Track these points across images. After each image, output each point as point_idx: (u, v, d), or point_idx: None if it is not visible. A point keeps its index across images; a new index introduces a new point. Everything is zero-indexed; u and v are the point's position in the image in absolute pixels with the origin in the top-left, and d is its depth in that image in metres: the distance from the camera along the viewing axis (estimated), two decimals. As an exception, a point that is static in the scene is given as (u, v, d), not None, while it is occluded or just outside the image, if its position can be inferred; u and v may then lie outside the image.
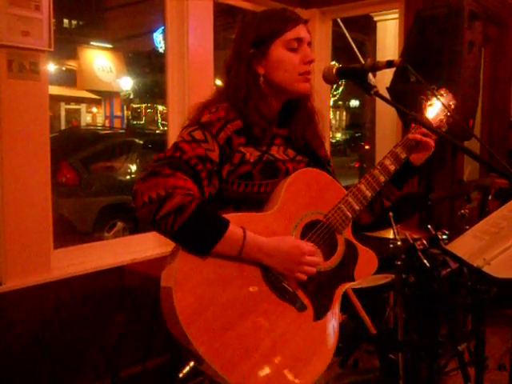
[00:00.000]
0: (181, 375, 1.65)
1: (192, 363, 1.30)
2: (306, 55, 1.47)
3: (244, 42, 1.47)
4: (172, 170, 1.29)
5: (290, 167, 1.46)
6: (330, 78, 1.55)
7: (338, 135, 21.72)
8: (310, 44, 1.50)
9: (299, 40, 1.46)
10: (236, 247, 1.28)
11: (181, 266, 1.26)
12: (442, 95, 1.63)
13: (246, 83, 1.44)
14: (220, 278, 1.28)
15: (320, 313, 1.40)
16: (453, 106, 1.64)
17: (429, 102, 1.63)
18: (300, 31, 1.47)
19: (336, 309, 1.44)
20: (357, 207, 1.48)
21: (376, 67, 1.49)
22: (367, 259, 1.52)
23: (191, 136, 1.36)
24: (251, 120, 1.42)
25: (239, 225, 1.30)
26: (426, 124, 1.57)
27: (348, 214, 1.46)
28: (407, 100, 1.71)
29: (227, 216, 1.31)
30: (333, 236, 1.46)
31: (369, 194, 1.50)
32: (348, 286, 1.47)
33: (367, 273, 1.52)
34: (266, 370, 1.28)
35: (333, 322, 1.42)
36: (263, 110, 1.44)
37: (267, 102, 1.46)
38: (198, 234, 1.26)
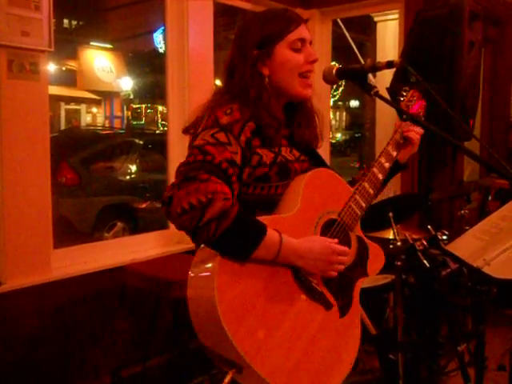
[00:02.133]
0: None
1: (230, 374, 1.27)
2: (310, 55, 1.48)
3: (248, 43, 1.46)
4: (208, 174, 1.25)
5: (297, 167, 1.47)
6: (329, 79, 1.55)
7: (338, 135, 21.72)
8: (311, 43, 1.51)
9: (302, 40, 1.47)
10: (273, 251, 1.28)
11: (221, 273, 1.24)
12: (412, 97, 1.69)
13: (254, 85, 1.44)
14: (256, 283, 1.28)
15: (344, 309, 1.44)
16: (423, 106, 1.69)
17: (405, 103, 1.68)
18: (302, 31, 1.48)
19: (357, 303, 1.48)
20: (363, 204, 1.51)
21: (376, 68, 1.49)
22: (376, 254, 1.56)
23: (215, 139, 1.33)
24: (263, 121, 1.41)
25: (272, 228, 1.29)
26: (426, 124, 1.57)
27: (357, 211, 1.49)
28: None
29: (259, 219, 1.31)
30: (347, 234, 1.49)
31: (372, 191, 1.53)
32: (363, 280, 1.51)
33: (378, 267, 1.56)
34: (307, 370, 1.32)
35: (356, 316, 1.47)
36: (274, 111, 1.44)
37: (275, 103, 1.46)
38: (240, 239, 1.25)
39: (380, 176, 1.56)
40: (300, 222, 1.38)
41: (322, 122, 1.64)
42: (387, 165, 1.58)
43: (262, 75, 1.46)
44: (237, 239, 1.24)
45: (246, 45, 1.47)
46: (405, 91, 1.69)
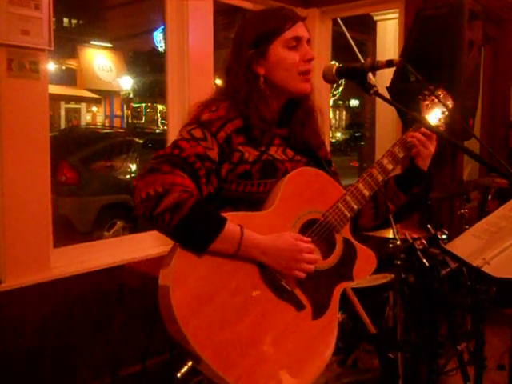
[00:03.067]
0: (179, 375, 1.64)
1: (190, 363, 1.28)
2: (306, 53, 1.46)
3: (243, 42, 1.46)
4: (171, 167, 1.28)
5: (288, 167, 1.46)
6: (329, 78, 1.55)
7: (338, 135, 21.74)
8: (309, 42, 1.49)
9: (298, 38, 1.46)
10: (233, 245, 1.27)
11: (178, 264, 1.25)
12: (439, 95, 1.62)
13: (246, 85, 1.44)
14: (217, 277, 1.27)
15: (319, 312, 1.39)
16: (450, 106, 1.63)
17: (426, 102, 1.64)
18: (298, 29, 1.46)
19: (335, 308, 1.43)
20: (355, 206, 1.47)
21: (376, 67, 1.49)
22: (366, 258, 1.51)
23: (190, 134, 1.36)
24: (251, 122, 1.42)
25: (237, 223, 1.29)
26: (426, 123, 1.57)
27: (346, 213, 1.46)
28: (407, 99, 1.70)
29: (225, 215, 1.30)
30: (331, 235, 1.45)
31: (367, 193, 1.50)
32: (346, 285, 1.47)
33: (366, 272, 1.51)
34: (264, 370, 1.28)
35: (331, 321, 1.41)
36: (263, 112, 1.43)
37: (267, 104, 1.45)
38: (195, 230, 1.25)
39: (379, 177, 1.52)
40: (275, 219, 1.36)
41: (322, 120, 1.63)
42: (390, 166, 1.53)
43: (257, 75, 1.45)
44: (192, 231, 1.25)
45: (241, 45, 1.47)
46: (428, 90, 1.61)
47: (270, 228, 1.35)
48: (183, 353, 1.29)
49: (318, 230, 1.43)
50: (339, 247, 1.46)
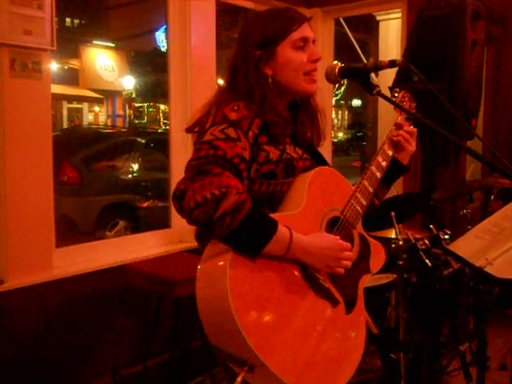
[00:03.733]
0: None
1: (242, 374, 1.24)
2: (313, 53, 1.48)
3: (249, 43, 1.47)
4: (220, 168, 1.25)
5: (301, 165, 1.48)
6: (332, 78, 1.55)
7: (340, 134, 21.73)
8: (314, 42, 1.51)
9: (305, 39, 1.47)
10: (284, 247, 1.28)
11: (233, 269, 1.22)
12: (403, 98, 1.69)
13: (258, 85, 1.44)
14: (268, 281, 1.27)
15: (350, 306, 1.45)
16: (414, 106, 1.70)
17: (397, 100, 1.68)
18: (305, 30, 1.47)
19: (361, 301, 1.49)
20: (364, 202, 1.52)
21: (378, 67, 1.49)
22: (378, 251, 1.58)
23: (225, 134, 1.32)
24: (270, 121, 1.41)
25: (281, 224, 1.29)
26: (427, 123, 1.57)
27: (359, 209, 1.50)
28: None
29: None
30: (350, 231, 1.49)
31: (371, 189, 1.54)
32: (367, 278, 1.52)
33: (380, 263, 1.58)
34: (317, 367, 1.32)
35: (361, 313, 1.49)
36: (280, 110, 1.44)
37: (280, 101, 1.47)
38: (253, 233, 1.24)
39: (378, 174, 1.57)
40: (306, 219, 1.38)
41: (324, 119, 1.65)
42: (384, 164, 1.59)
43: (265, 76, 1.46)
44: (250, 233, 1.24)
45: (247, 45, 1.47)
46: (396, 92, 1.69)
47: (303, 228, 1.35)
48: (231, 363, 1.27)
49: (341, 227, 1.46)
50: (357, 242, 1.52)
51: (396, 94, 1.69)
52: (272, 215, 1.31)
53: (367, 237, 1.56)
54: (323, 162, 1.58)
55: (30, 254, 2.54)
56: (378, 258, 1.57)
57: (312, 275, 1.36)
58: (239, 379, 1.25)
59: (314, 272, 1.37)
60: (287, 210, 1.40)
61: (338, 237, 1.41)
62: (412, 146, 1.65)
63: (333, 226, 1.45)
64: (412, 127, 1.64)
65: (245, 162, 1.33)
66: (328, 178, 1.49)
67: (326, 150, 4.19)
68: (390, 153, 1.62)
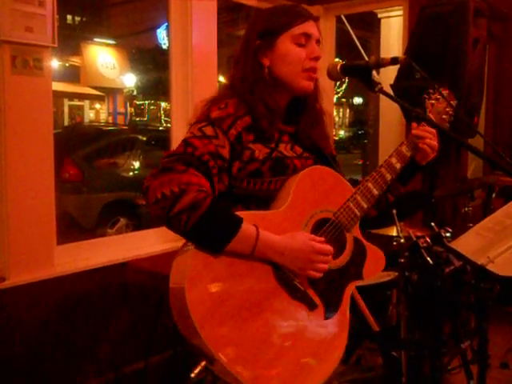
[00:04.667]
0: (192, 375, 1.65)
1: (203, 363, 1.26)
2: (313, 51, 1.47)
3: (252, 33, 1.47)
4: (185, 166, 1.26)
5: (297, 164, 1.45)
6: (334, 75, 1.55)
7: (342, 132, 21.71)
8: (318, 42, 1.50)
9: (307, 36, 1.46)
10: (249, 245, 1.26)
11: (193, 264, 1.23)
12: (444, 94, 1.63)
13: (252, 73, 1.44)
14: (232, 277, 1.26)
15: (330, 311, 1.40)
16: (454, 105, 1.64)
17: (431, 101, 1.64)
18: (309, 27, 1.46)
19: (346, 307, 1.44)
20: (365, 205, 1.47)
21: (380, 64, 1.49)
22: (375, 258, 1.52)
23: (202, 132, 1.34)
24: (258, 112, 1.40)
25: (251, 223, 1.28)
26: (430, 121, 1.57)
27: (356, 212, 1.46)
28: (411, 97, 1.70)
29: (238, 214, 1.30)
30: (342, 234, 1.45)
31: (376, 192, 1.50)
32: (356, 284, 1.48)
33: (375, 271, 1.52)
34: (279, 369, 1.28)
35: (343, 319, 1.43)
36: (269, 101, 1.42)
37: (272, 94, 1.44)
38: (212, 231, 1.24)
39: (388, 176, 1.52)
40: (288, 218, 1.35)
41: (329, 121, 1.63)
42: (398, 165, 1.54)
43: (262, 65, 1.45)
44: (209, 231, 1.23)
45: (250, 36, 1.47)
46: (433, 89, 1.62)
47: (282, 227, 1.34)
48: (196, 353, 1.29)
49: (329, 230, 1.42)
50: (350, 246, 1.47)
51: (431, 91, 1.62)
52: (246, 213, 1.31)
53: (364, 242, 1.51)
54: (328, 163, 1.54)
55: (32, 252, 2.55)
56: (374, 264, 1.51)
57: (285, 276, 1.33)
58: (197, 370, 1.27)
59: (288, 273, 1.34)
60: (273, 209, 1.38)
61: (316, 238, 1.36)
62: (435, 144, 1.59)
63: (320, 227, 1.42)
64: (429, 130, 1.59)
65: (218, 159, 1.32)
66: (322, 178, 1.45)
67: (327, 148, 4.20)
68: (409, 154, 1.57)
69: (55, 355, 2.66)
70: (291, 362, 1.30)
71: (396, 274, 2.60)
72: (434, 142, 1.58)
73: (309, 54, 1.46)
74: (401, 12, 3.93)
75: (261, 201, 1.40)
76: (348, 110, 23.87)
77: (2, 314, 2.48)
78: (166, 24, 11.37)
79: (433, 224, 2.53)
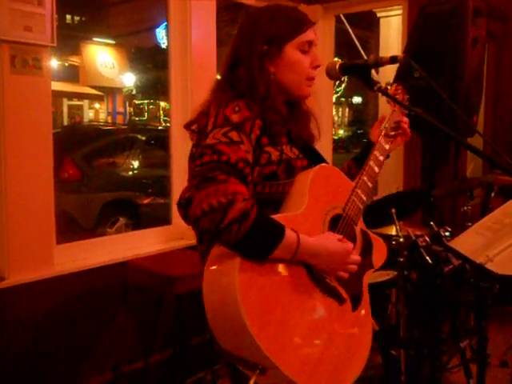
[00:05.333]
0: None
1: (254, 377, 1.24)
2: (315, 59, 1.49)
3: (257, 37, 1.43)
4: (225, 174, 1.23)
5: (299, 165, 1.46)
6: (333, 74, 1.55)
7: (341, 132, 21.71)
8: (315, 46, 1.52)
9: (310, 43, 1.48)
10: (291, 251, 1.26)
11: (242, 273, 1.22)
12: (396, 90, 1.68)
13: (262, 81, 1.42)
14: (276, 282, 1.27)
15: (356, 303, 1.46)
16: (406, 99, 1.70)
17: (385, 99, 1.68)
18: (312, 34, 1.48)
19: (367, 296, 1.50)
20: (364, 198, 1.52)
21: (379, 63, 1.49)
22: (380, 246, 1.60)
23: (228, 137, 1.30)
24: (272, 117, 1.40)
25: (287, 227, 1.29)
26: (429, 119, 1.57)
27: (359, 205, 1.50)
28: (410, 96, 1.71)
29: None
30: (352, 228, 1.49)
31: (370, 184, 1.55)
32: (370, 273, 1.54)
33: (382, 259, 1.58)
34: (328, 366, 1.32)
35: (367, 309, 1.49)
36: (280, 107, 1.45)
37: (281, 100, 1.47)
38: (260, 240, 1.23)
39: (376, 169, 1.57)
40: (309, 218, 1.38)
41: (319, 120, 1.64)
42: (382, 158, 1.60)
43: (268, 71, 1.44)
44: (258, 240, 1.22)
45: (255, 39, 1.43)
46: (389, 85, 1.65)
47: (306, 228, 1.34)
48: (243, 366, 1.27)
49: (343, 225, 1.46)
50: (359, 238, 1.52)
51: (389, 87, 1.66)
52: (276, 217, 1.30)
53: (369, 232, 1.57)
54: (322, 160, 1.56)
55: (31, 251, 2.55)
56: (380, 253, 1.58)
57: (318, 275, 1.36)
58: (251, 382, 1.24)
59: (320, 272, 1.36)
60: (289, 211, 1.38)
61: (344, 239, 1.39)
62: (407, 137, 1.68)
63: (336, 223, 1.45)
64: (405, 118, 1.66)
65: (249, 166, 1.31)
66: (329, 175, 1.49)
67: (326, 147, 4.19)
68: (387, 146, 1.63)
69: (54, 354, 2.66)
70: (335, 358, 1.35)
71: (395, 272, 2.60)
72: (408, 133, 1.67)
73: (312, 62, 1.48)
74: (400, 11, 3.93)
75: (274, 204, 1.40)
76: (347, 110, 23.86)
77: (2, 313, 2.48)
78: (165, 23, 11.37)
79: (432, 223, 2.53)
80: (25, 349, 2.56)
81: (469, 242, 1.92)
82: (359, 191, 1.51)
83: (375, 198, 3.07)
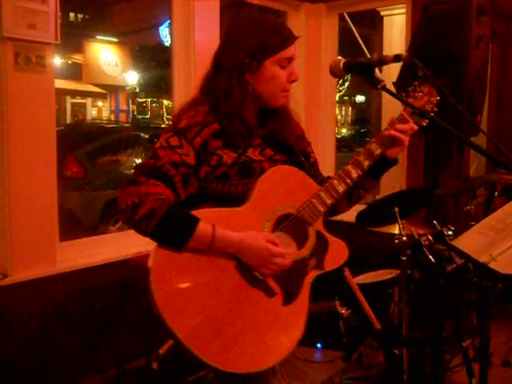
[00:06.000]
0: (161, 351, 2.08)
1: (171, 342, 1.53)
2: (292, 74, 1.55)
3: (240, 47, 1.51)
4: (145, 177, 1.43)
5: (266, 167, 1.53)
6: (337, 72, 1.55)
7: (344, 130, 21.69)
8: (295, 60, 1.56)
9: (290, 59, 1.54)
10: (206, 243, 1.39)
11: (156, 258, 1.39)
12: (424, 90, 1.65)
13: (239, 91, 1.51)
14: (194, 268, 1.40)
15: (289, 298, 1.50)
16: (435, 102, 1.66)
17: (409, 99, 1.65)
18: (293, 50, 1.54)
19: (306, 295, 1.52)
20: (329, 201, 1.56)
21: (383, 61, 1.49)
22: (337, 250, 1.60)
23: (167, 142, 1.47)
24: (235, 128, 1.50)
25: (213, 219, 1.42)
26: (433, 118, 1.57)
27: (320, 207, 1.54)
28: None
29: (201, 211, 1.44)
30: (304, 228, 1.54)
31: (341, 188, 1.57)
32: (317, 273, 1.55)
33: (337, 262, 1.59)
34: (237, 349, 1.40)
35: (302, 306, 1.51)
36: (250, 120, 1.53)
37: (253, 112, 1.54)
38: (171, 233, 1.39)
39: (355, 173, 1.58)
40: (251, 214, 1.47)
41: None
42: (366, 163, 1.60)
43: (247, 83, 1.52)
44: (168, 233, 1.39)
45: (238, 49, 1.51)
46: (415, 85, 1.65)
47: (243, 224, 1.46)
48: (167, 334, 1.39)
49: (290, 224, 1.52)
50: (311, 239, 1.55)
51: (415, 87, 1.64)
52: (208, 211, 1.45)
53: (327, 235, 1.59)
54: (300, 162, 1.62)
55: (34, 248, 2.55)
56: (336, 256, 1.59)
57: (246, 267, 1.45)
58: (166, 346, 1.49)
59: (247, 265, 1.45)
60: (238, 207, 1.49)
61: (276, 241, 1.45)
62: (406, 144, 1.64)
63: (282, 221, 1.52)
64: (408, 125, 1.62)
65: (182, 167, 1.45)
66: (285, 176, 1.54)
67: (329, 146, 4.19)
68: (378, 152, 1.61)
69: (57, 351, 2.67)
70: (249, 343, 1.42)
71: (398, 271, 2.60)
72: (405, 138, 1.63)
73: (289, 76, 1.54)
74: (404, 10, 3.92)
75: (231, 201, 1.49)
76: (350, 108, 23.84)
77: (5, 310, 2.49)
78: (168, 21, 11.37)
79: (435, 222, 2.53)
80: (27, 345, 2.57)
81: (472, 242, 1.92)
82: (323, 194, 1.55)
83: (378, 197, 3.07)
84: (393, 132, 1.62)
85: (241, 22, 1.57)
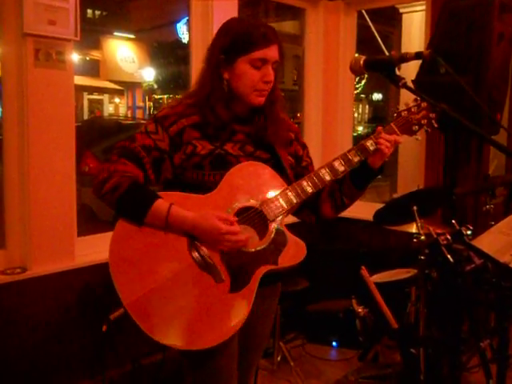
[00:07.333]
0: (112, 317, 2.26)
1: (122, 309, 1.60)
2: (266, 75, 1.60)
3: (217, 45, 1.62)
4: (117, 156, 1.58)
5: (243, 161, 1.61)
6: (357, 69, 1.55)
7: (360, 128, 21.58)
8: (275, 64, 1.61)
9: (264, 60, 1.59)
10: (161, 219, 1.51)
11: (116, 229, 1.55)
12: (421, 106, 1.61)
13: (211, 84, 1.61)
14: (149, 244, 1.54)
15: (236, 287, 1.56)
16: (433, 117, 1.62)
17: (404, 112, 1.63)
18: (268, 52, 1.58)
19: (253, 286, 1.57)
20: (295, 201, 1.61)
21: (404, 59, 1.48)
22: (295, 249, 1.62)
23: (145, 128, 1.62)
24: (207, 119, 1.60)
25: (178, 201, 1.53)
26: (455, 116, 1.55)
27: (284, 205, 1.60)
28: (433, 92, 1.68)
29: (170, 193, 1.57)
30: (265, 223, 1.60)
31: (310, 189, 1.62)
32: (269, 268, 1.59)
33: (292, 260, 1.62)
34: (178, 323, 1.52)
35: (248, 296, 1.57)
36: (219, 112, 1.61)
37: (225, 105, 1.62)
38: (130, 207, 1.53)
39: (327, 177, 1.62)
40: (212, 202, 1.56)
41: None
42: (341, 168, 1.62)
43: (222, 78, 1.61)
44: (128, 207, 1.54)
45: (215, 46, 1.63)
46: (415, 100, 1.62)
47: (206, 208, 1.54)
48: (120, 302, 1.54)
49: (249, 216, 1.59)
50: (270, 235, 1.60)
51: (414, 103, 1.62)
52: (173, 193, 1.57)
53: (287, 233, 1.62)
54: (278, 163, 1.67)
55: (53, 243, 2.58)
56: (292, 254, 1.61)
57: (198, 249, 1.54)
58: (117, 313, 1.64)
59: (200, 246, 1.55)
60: (202, 194, 1.59)
61: (228, 218, 1.52)
62: (389, 153, 1.63)
63: (243, 213, 1.58)
64: (393, 136, 1.61)
65: (154, 151, 1.58)
66: (254, 171, 1.61)
67: (346, 144, 4.17)
68: (356, 159, 1.63)
69: (74, 344, 2.69)
70: (190, 319, 1.52)
71: (415, 271, 2.58)
72: (389, 153, 1.63)
73: (262, 77, 1.60)
74: (423, 7, 3.88)
75: (204, 189, 1.58)
76: (367, 106, 23.71)
77: (24, 303, 2.52)
78: (185, 18, 11.39)
79: (453, 221, 2.51)
80: (44, 339, 2.59)
81: (492, 241, 1.90)
82: (290, 193, 1.60)
83: (396, 196, 3.05)
84: (378, 140, 1.61)
85: (227, 23, 1.66)
